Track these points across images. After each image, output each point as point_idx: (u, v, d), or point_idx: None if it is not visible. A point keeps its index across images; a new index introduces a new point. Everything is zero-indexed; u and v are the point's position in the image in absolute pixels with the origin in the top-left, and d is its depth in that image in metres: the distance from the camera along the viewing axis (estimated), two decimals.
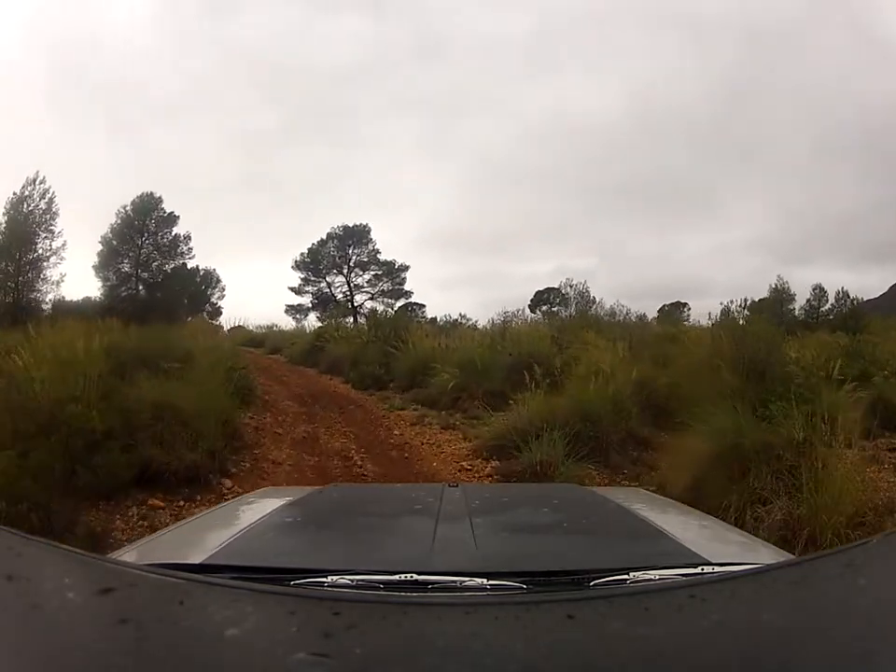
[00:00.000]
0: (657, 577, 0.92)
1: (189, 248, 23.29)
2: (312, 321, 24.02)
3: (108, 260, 22.36)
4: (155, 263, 23.31)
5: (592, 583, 0.90)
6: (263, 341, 19.30)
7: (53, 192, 19.23)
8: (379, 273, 26.35)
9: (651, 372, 6.75)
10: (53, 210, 19.44)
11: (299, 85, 31.45)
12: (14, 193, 18.63)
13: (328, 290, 26.54)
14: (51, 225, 19.43)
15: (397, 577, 0.91)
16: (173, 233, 23.12)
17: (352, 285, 26.42)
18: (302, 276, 26.44)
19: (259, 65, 30.98)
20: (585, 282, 21.84)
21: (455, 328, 14.77)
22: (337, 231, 26.40)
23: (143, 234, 22.65)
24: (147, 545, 1.26)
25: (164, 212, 22.85)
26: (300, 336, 15.80)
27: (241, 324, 23.34)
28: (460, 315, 16.96)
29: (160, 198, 22.91)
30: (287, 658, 0.50)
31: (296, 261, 26.46)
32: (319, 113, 31.06)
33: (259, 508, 1.50)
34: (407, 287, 26.52)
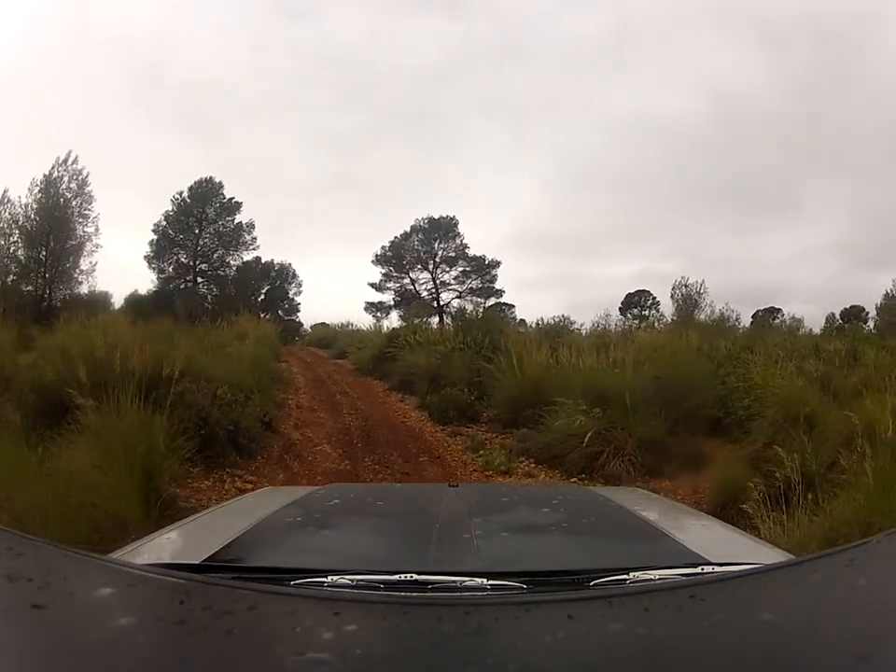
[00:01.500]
0: (657, 577, 0.92)
1: (252, 238, 21.10)
2: (393, 320, 21.66)
3: (162, 250, 20.31)
4: (216, 254, 21.14)
5: (592, 583, 0.90)
6: (333, 341, 17.24)
7: (87, 173, 16.94)
8: (468, 269, 23.66)
9: None
10: (87, 192, 17.19)
11: (381, 87, 31.44)
12: (43, 175, 16.55)
13: (411, 287, 23.94)
14: (86, 209, 17.22)
15: (397, 577, 0.90)
16: (235, 221, 21.06)
17: (437, 281, 23.80)
18: (384, 272, 23.96)
19: (342, 68, 31.01)
20: (702, 281, 18.54)
21: (558, 333, 11.15)
22: (422, 223, 23.73)
23: (201, 222, 20.59)
24: (147, 545, 1.26)
25: (225, 198, 20.68)
26: (373, 338, 13.30)
27: (324, 321, 22.06)
28: (562, 317, 13.94)
29: (220, 183, 20.71)
30: (287, 658, 0.50)
31: (377, 255, 23.93)
32: (402, 114, 31.11)
33: (259, 508, 1.50)
34: (497, 285, 23.79)
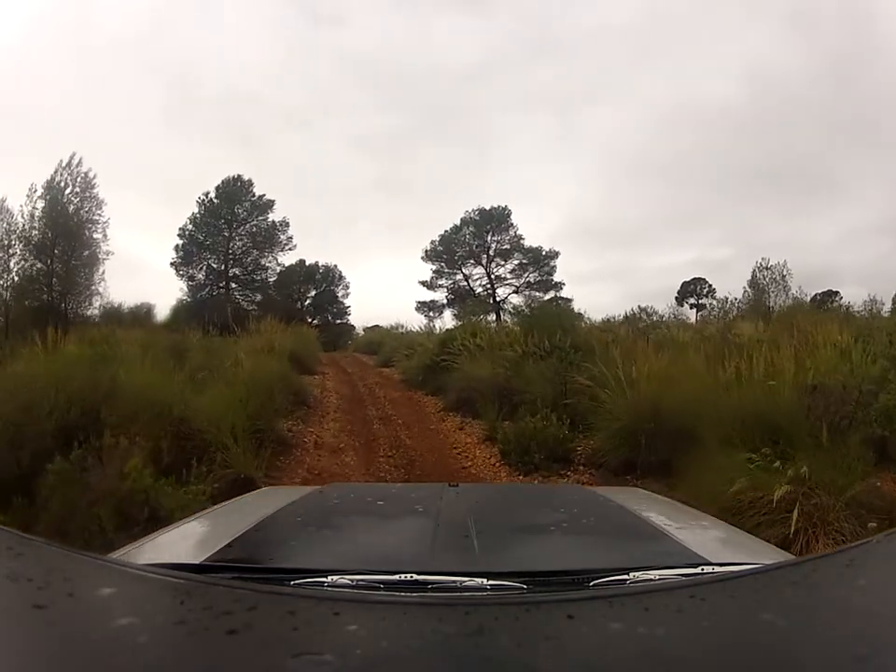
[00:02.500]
0: (657, 577, 0.92)
1: (288, 237, 19.77)
2: (447, 319, 20.38)
3: (191, 256, 19.07)
4: (249, 257, 19.79)
5: (592, 583, 0.90)
6: (380, 346, 15.45)
7: (94, 175, 15.94)
8: (524, 261, 21.93)
9: None
10: (94, 196, 16.18)
11: (419, 87, 31.43)
12: (46, 181, 15.70)
13: (464, 283, 22.32)
14: (95, 214, 16.22)
15: (397, 577, 0.90)
16: (268, 221, 19.74)
17: (492, 276, 22.06)
18: (434, 268, 22.43)
19: (378, 71, 30.93)
20: (785, 262, 18.08)
21: (653, 329, 8.62)
22: (472, 215, 22.15)
23: (231, 224, 19.20)
24: (147, 545, 1.26)
25: (255, 196, 19.38)
26: (423, 342, 11.23)
27: (377, 324, 20.32)
28: (641, 308, 12.53)
29: (249, 181, 19.42)
30: (287, 658, 0.50)
31: (426, 251, 22.32)
32: (442, 113, 31.04)
33: (258, 508, 1.50)
34: (556, 277, 22.25)
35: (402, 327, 16.71)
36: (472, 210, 22.37)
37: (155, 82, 27.81)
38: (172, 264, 19.33)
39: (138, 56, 26.87)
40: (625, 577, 0.92)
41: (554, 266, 22.41)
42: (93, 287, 16.47)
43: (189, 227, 19.90)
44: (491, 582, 0.89)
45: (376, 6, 28.69)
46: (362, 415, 7.52)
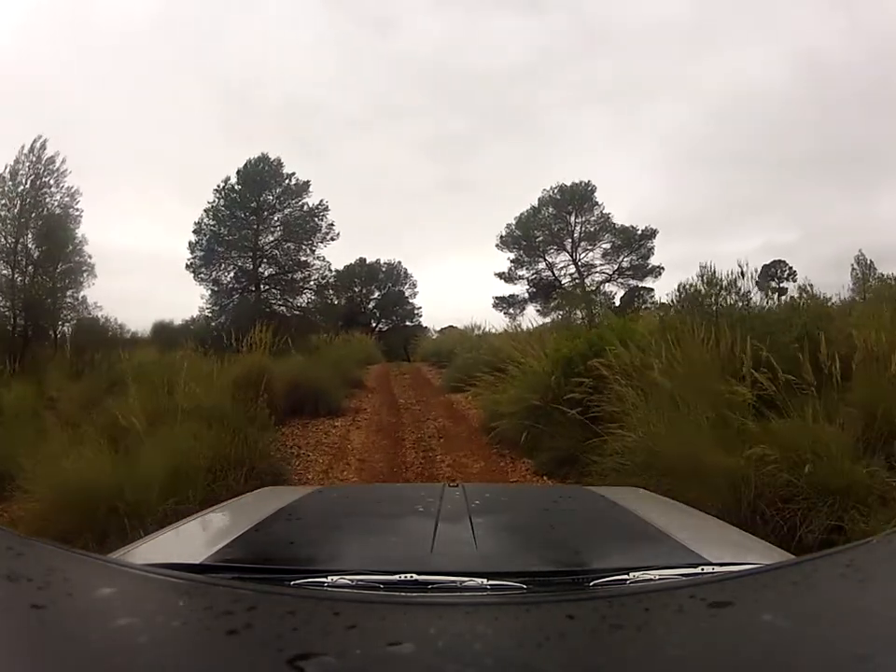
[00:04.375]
0: (657, 577, 0.92)
1: (329, 225, 15.46)
2: (530, 316, 17.81)
3: (212, 255, 14.98)
4: (281, 249, 15.40)
5: (592, 584, 0.90)
6: (451, 356, 11.71)
7: (62, 161, 12.18)
8: (617, 243, 18.30)
9: None
10: (63, 186, 12.41)
11: (477, 88, 30.93)
12: (7, 166, 11.99)
13: (548, 273, 18.66)
14: (73, 207, 12.50)
15: (397, 577, 0.90)
16: (303, 207, 15.46)
17: (580, 264, 18.44)
18: (513, 257, 18.74)
19: (436, 73, 30.63)
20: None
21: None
22: (552, 194, 18.49)
23: (260, 213, 15.21)
24: (147, 545, 1.26)
25: (284, 176, 15.39)
26: (526, 358, 6.49)
27: (452, 325, 17.71)
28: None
29: (278, 161, 15.33)
30: (286, 658, 0.50)
31: (502, 237, 18.65)
32: (501, 112, 30.07)
33: (258, 508, 1.50)
34: (655, 260, 18.21)
35: (479, 327, 13.74)
36: (552, 188, 18.56)
37: (215, 95, 27.60)
38: (188, 266, 15.11)
39: (198, 70, 26.67)
40: (625, 577, 0.92)
41: (652, 247, 18.25)
42: (65, 299, 13.00)
43: (208, 221, 15.46)
44: (491, 582, 0.89)
45: (427, 9, 28.69)
46: None
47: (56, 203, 12.81)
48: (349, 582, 0.89)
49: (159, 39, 25.88)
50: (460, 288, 33.22)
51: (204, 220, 15.39)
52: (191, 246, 15.27)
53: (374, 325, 22.59)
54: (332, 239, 15.81)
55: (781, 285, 19.17)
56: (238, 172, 15.53)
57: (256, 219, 15.44)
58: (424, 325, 22.64)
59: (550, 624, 0.60)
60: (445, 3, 29.74)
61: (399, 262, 22.95)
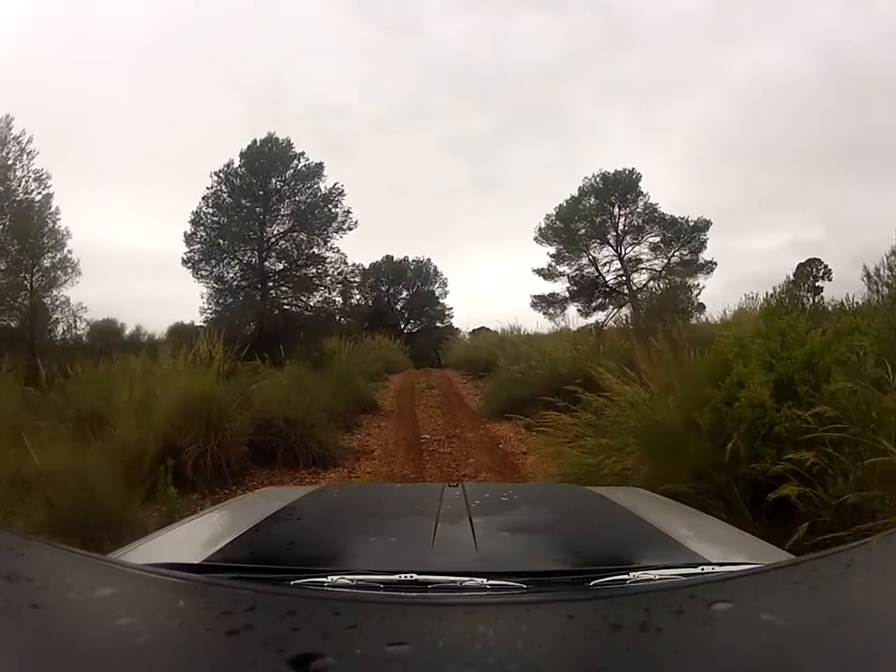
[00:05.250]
0: (657, 577, 0.92)
1: (346, 212, 13.39)
2: (571, 317, 15.71)
3: (213, 249, 13.08)
4: (292, 240, 13.44)
5: (592, 583, 0.90)
6: (491, 360, 9.86)
7: (24, 134, 10.67)
8: (668, 236, 16.22)
9: None
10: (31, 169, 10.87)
11: (503, 86, 30.83)
12: None
13: (591, 269, 16.57)
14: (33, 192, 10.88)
15: (397, 577, 0.90)
16: (316, 193, 13.52)
17: (625, 259, 16.41)
18: (552, 252, 16.68)
19: (461, 74, 30.61)
20: None
21: None
22: (594, 182, 16.53)
23: (268, 201, 13.30)
24: (147, 545, 1.26)
25: (294, 157, 13.42)
26: (565, 358, 6.22)
27: (483, 325, 16.93)
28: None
29: (287, 141, 13.43)
30: (287, 658, 0.50)
31: (540, 230, 16.62)
32: (527, 111, 29.95)
33: (258, 508, 1.50)
34: (707, 255, 16.09)
35: (520, 329, 12.25)
36: (593, 176, 16.66)
37: (242, 99, 27.51)
38: (186, 261, 13.14)
39: (226, 77, 26.66)
40: (625, 577, 0.92)
41: (705, 240, 16.12)
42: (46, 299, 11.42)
43: (207, 209, 13.33)
44: (491, 582, 0.89)
45: (448, 12, 28.69)
46: None
47: (26, 190, 11.23)
48: (349, 582, 0.89)
49: (187, 41, 26.08)
50: (490, 290, 32.71)
51: (203, 209, 13.38)
52: (187, 239, 13.23)
53: (402, 326, 21.61)
54: (350, 228, 13.67)
55: (817, 284, 18.67)
56: (241, 154, 13.53)
57: (262, 207, 13.49)
58: (455, 326, 21.58)
59: (550, 624, 0.60)
60: (467, 6, 29.71)
61: (429, 259, 21.68)
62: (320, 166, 13.77)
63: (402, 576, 0.90)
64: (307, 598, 0.71)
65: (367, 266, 19.03)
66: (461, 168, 29.88)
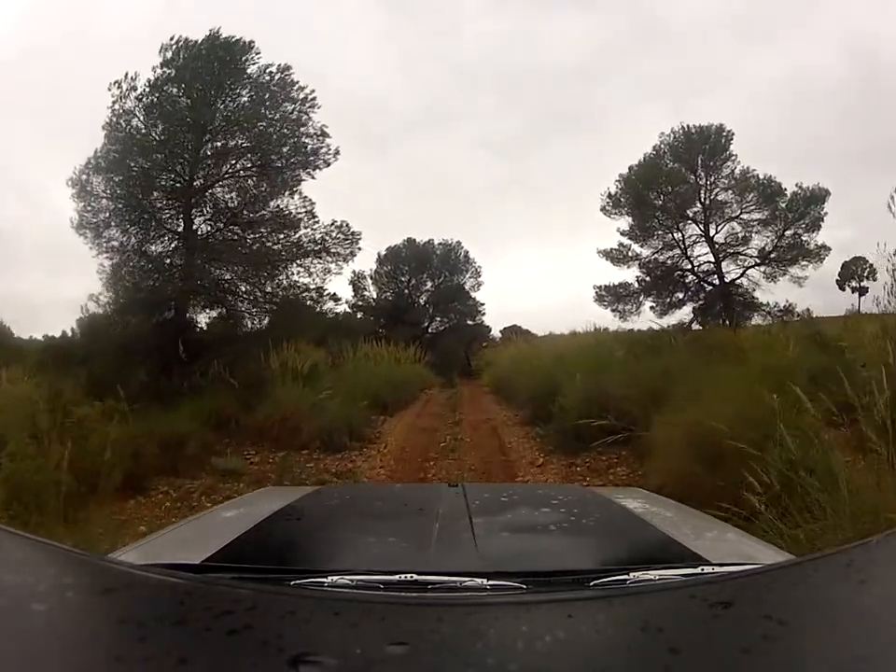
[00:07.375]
0: (657, 577, 0.92)
1: (319, 136, 8.62)
2: (646, 314, 12.62)
3: (113, 208, 8.13)
4: (241, 192, 8.59)
5: (592, 583, 0.90)
6: (562, 383, 6.34)
7: None
8: (767, 210, 12.14)
9: None
10: None
11: (535, 87, 30.88)
12: None
13: (670, 253, 12.63)
14: None
15: (397, 577, 0.90)
16: (282, 110, 8.49)
17: (714, 243, 12.39)
18: (624, 229, 12.72)
19: (495, 74, 30.76)
20: None
21: None
22: (675, 138, 12.44)
23: (211, 129, 8.35)
24: (147, 545, 1.26)
25: (255, 62, 8.53)
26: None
27: (517, 324, 14.67)
28: None
29: (251, 43, 8.53)
30: (287, 658, 0.50)
31: (609, 197, 12.65)
32: (561, 110, 30.01)
33: (258, 508, 1.50)
34: (821, 237, 12.12)
35: (601, 328, 9.62)
36: (674, 131, 12.53)
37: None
38: (79, 225, 8.32)
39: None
40: (625, 577, 0.92)
41: (823, 214, 11.94)
42: None
43: (110, 146, 8.21)
44: (491, 582, 0.89)
45: (481, 12, 28.76)
46: None
47: None
48: (349, 582, 0.89)
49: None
50: (518, 287, 31.79)
51: (105, 147, 8.17)
52: (78, 191, 8.13)
53: (426, 325, 17.98)
54: (326, 163, 8.66)
55: (862, 284, 16.86)
56: (167, 61, 8.23)
57: (193, 138, 8.24)
58: (486, 324, 18.45)
59: (550, 624, 0.60)
60: (498, 6, 29.65)
61: (458, 243, 17.53)
62: (292, 81, 8.67)
63: (402, 576, 0.90)
64: (307, 598, 0.71)
65: (384, 252, 15.96)
66: (493, 165, 29.67)
